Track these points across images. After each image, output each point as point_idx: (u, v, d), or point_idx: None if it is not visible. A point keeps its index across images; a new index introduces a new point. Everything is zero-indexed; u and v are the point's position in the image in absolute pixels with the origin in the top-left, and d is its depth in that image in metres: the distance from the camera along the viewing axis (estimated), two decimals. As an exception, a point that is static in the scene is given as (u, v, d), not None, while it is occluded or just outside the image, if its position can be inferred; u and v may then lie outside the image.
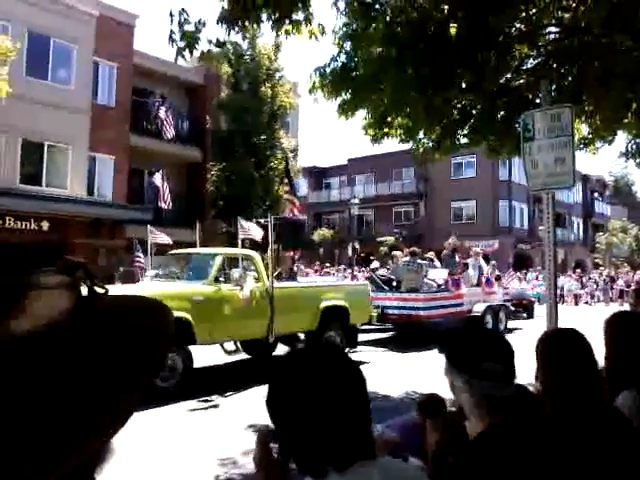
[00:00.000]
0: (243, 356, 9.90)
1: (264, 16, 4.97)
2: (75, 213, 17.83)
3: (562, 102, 5.12)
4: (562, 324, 4.38)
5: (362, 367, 1.12)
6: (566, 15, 6.47)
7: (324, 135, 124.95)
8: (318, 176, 46.06)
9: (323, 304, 10.13)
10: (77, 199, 18.51)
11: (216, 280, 8.65)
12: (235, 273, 8.89)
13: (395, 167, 39.28)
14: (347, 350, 10.00)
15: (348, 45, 6.50)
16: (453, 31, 5.92)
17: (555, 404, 1.84)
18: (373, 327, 13.56)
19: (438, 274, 14.84)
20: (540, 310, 20.69)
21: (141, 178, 23.22)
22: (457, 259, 15.36)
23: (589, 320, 11.09)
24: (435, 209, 38.38)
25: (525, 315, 20.17)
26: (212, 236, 23.32)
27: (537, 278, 27.32)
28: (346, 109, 6.75)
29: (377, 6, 6.04)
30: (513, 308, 20.70)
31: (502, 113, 7.14)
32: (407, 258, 14.24)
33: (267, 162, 22.47)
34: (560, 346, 1.95)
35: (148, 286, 9.03)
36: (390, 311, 13.26)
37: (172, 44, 4.87)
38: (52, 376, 0.54)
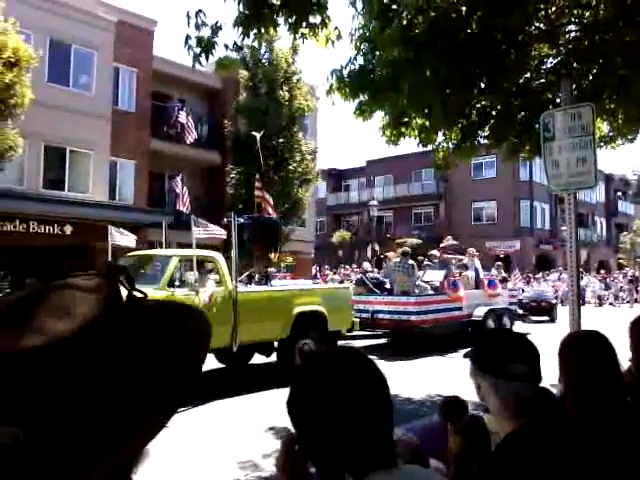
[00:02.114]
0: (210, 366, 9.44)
1: (280, 19, 4.98)
2: (97, 217, 18.06)
3: (582, 101, 5.05)
4: (585, 326, 4.33)
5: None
6: (587, 13, 6.38)
7: (343, 137, 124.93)
8: (337, 178, 46.07)
9: (296, 310, 9.38)
10: (99, 203, 18.74)
11: (171, 284, 8.04)
12: (190, 276, 8.37)
13: (414, 168, 39.12)
14: None
15: (365, 47, 6.49)
16: (471, 31, 5.88)
17: (578, 406, 1.82)
18: (364, 333, 12.84)
19: (434, 276, 14.07)
20: (563, 312, 20.35)
21: (161, 182, 23.44)
22: (454, 261, 14.75)
23: (613, 321, 10.91)
24: (455, 210, 38.14)
25: (547, 318, 19.54)
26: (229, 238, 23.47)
27: (559, 279, 26.92)
28: (364, 110, 6.75)
29: (394, 7, 6.02)
30: (524, 311, 19.58)
31: (522, 113, 7.07)
32: (398, 259, 13.38)
33: (286, 165, 22.52)
34: (583, 348, 1.93)
35: None
36: (381, 316, 12.46)
37: (188, 50, 4.90)
38: (95, 376, 0.55)
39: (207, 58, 5.03)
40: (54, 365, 0.54)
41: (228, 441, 5.93)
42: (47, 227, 17.45)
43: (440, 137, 7.76)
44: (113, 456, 0.55)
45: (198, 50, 4.91)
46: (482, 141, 8.00)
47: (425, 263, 16.10)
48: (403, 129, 7.25)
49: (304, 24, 4.97)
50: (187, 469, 5.07)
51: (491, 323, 13.55)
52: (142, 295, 0.63)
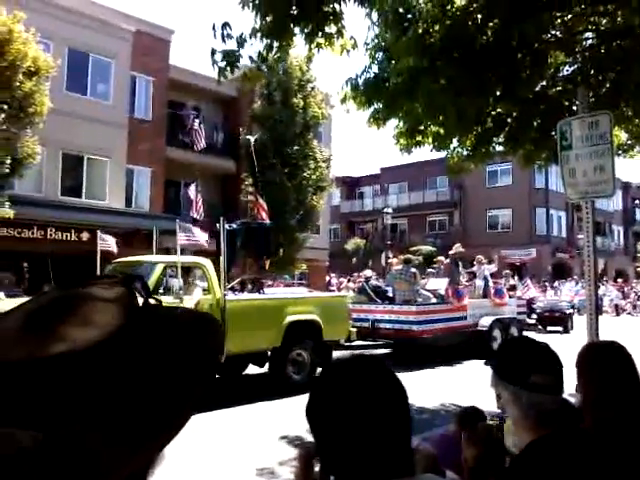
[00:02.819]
0: None
1: (296, 29, 5.02)
2: (113, 224, 18.23)
3: (599, 108, 5.02)
4: (603, 335, 4.29)
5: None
6: (604, 20, 6.35)
7: (357, 144, 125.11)
8: (351, 185, 46.09)
9: (289, 319, 9.02)
10: (115, 210, 18.92)
11: (154, 292, 7.68)
12: (175, 284, 8.01)
13: (429, 175, 39.02)
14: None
15: (380, 56, 6.52)
16: (487, 39, 5.88)
17: (597, 418, 1.80)
18: (364, 343, 12.45)
19: (438, 284, 13.72)
20: (580, 322, 19.96)
21: (177, 189, 23.61)
22: (460, 269, 14.17)
23: (631, 331, 10.77)
24: (470, 218, 37.95)
25: (561, 329, 18.88)
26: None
27: (575, 289, 26.51)
28: (377, 119, 6.77)
29: (409, 16, 6.04)
30: (538, 321, 19.29)
31: (538, 121, 7.03)
32: (400, 266, 12.94)
33: (300, 172, 22.59)
34: (601, 359, 1.91)
35: None
36: (381, 325, 12.01)
37: (214, 65, 4.96)
38: (114, 384, 0.56)
39: (232, 71, 5.08)
40: (76, 372, 0.55)
41: (243, 449, 5.93)
42: (64, 234, 17.65)
43: (454, 143, 7.76)
44: (129, 462, 0.56)
45: (223, 64, 4.97)
46: (497, 148, 7.99)
47: (428, 271, 15.92)
48: (418, 137, 7.26)
49: (320, 34, 5.00)
50: (204, 477, 5.08)
51: (497, 333, 13.09)
52: (157, 303, 0.64)
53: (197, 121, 22.19)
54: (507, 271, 17.71)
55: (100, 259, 11.12)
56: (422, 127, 7.13)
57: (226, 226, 9.96)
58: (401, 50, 5.70)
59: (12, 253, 15.81)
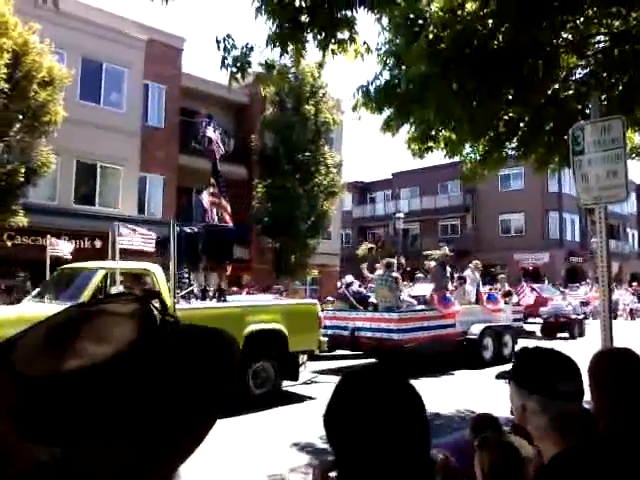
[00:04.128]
0: None
1: (309, 36, 5.05)
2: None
3: (612, 112, 4.99)
4: (617, 341, 4.24)
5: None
6: (616, 23, 6.32)
7: (368, 150, 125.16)
8: (362, 190, 46.08)
9: (249, 328, 8.34)
10: (128, 218, 19.06)
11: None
12: (113, 292, 7.29)
13: (441, 180, 38.92)
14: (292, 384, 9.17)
15: (391, 61, 6.53)
16: (498, 43, 5.87)
17: (611, 426, 1.79)
18: (344, 353, 12.04)
19: (423, 290, 12.98)
20: (591, 328, 19.46)
21: (189, 196, 23.73)
22: (448, 273, 13.22)
23: (647, 336, 10.62)
24: (482, 222, 37.78)
25: (567, 335, 17.99)
26: (259, 252, 23.64)
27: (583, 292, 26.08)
28: (391, 125, 6.78)
29: (420, 21, 6.05)
30: (544, 327, 18.22)
31: (551, 125, 7.00)
32: (381, 271, 12.11)
33: (312, 178, 22.64)
34: (615, 366, 1.89)
35: None
36: (362, 334, 11.28)
37: (225, 70, 5.01)
38: (131, 400, 0.57)
39: (243, 77, 5.14)
40: (93, 388, 0.56)
41: (254, 455, 5.93)
42: (78, 241, 17.79)
43: (467, 149, 7.75)
44: (149, 475, 0.57)
45: (234, 69, 5.02)
46: (510, 152, 7.95)
47: (417, 275, 15.33)
48: (430, 143, 7.25)
49: (333, 40, 5.03)
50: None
51: (489, 342, 12.33)
52: (174, 320, 0.65)
53: (211, 128, 22.29)
54: (502, 276, 16.72)
55: (50, 266, 10.55)
56: (433, 132, 7.13)
57: (187, 229, 9.80)
58: (412, 56, 5.71)
59: (27, 261, 15.96)
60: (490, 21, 5.82)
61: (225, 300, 9.39)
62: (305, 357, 9.78)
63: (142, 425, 0.56)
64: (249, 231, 10.18)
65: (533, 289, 20.75)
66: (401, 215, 26.98)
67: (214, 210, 19.33)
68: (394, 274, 11.76)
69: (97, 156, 18.90)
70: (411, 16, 5.97)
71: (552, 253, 34.99)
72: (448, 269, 13.40)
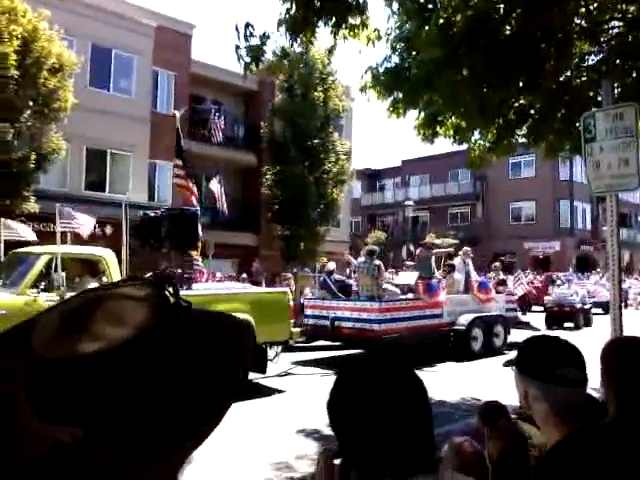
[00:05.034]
0: None
1: (320, 22, 5.03)
2: (137, 218, 18.44)
3: (625, 100, 4.92)
4: (627, 330, 4.22)
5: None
6: (631, 8, 6.21)
7: (378, 137, 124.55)
8: (372, 178, 45.93)
9: None
10: (138, 204, 19.13)
11: (35, 286, 6.92)
12: (56, 279, 6.97)
13: (451, 168, 38.69)
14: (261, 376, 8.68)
15: (401, 46, 6.48)
16: (510, 29, 5.80)
17: (621, 413, 1.78)
18: (322, 344, 11.62)
19: (408, 278, 12.47)
20: (598, 318, 19.23)
21: (199, 183, 23.79)
22: (433, 262, 12.77)
23: (657, 326, 10.54)
24: (492, 210, 37.58)
25: (572, 325, 17.53)
26: (269, 239, 23.68)
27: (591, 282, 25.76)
28: (397, 108, 6.73)
29: (430, 6, 5.99)
30: (549, 317, 17.72)
31: (562, 112, 6.92)
32: (362, 259, 11.67)
33: (321, 165, 22.59)
34: (627, 354, 1.89)
35: None
36: (342, 324, 10.81)
37: (239, 60, 5.01)
38: (148, 383, 0.58)
39: (257, 66, 5.14)
40: (111, 370, 0.57)
41: (259, 443, 5.96)
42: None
43: (476, 135, 7.68)
44: (162, 461, 0.58)
45: (248, 59, 5.01)
46: (520, 140, 7.88)
47: (408, 263, 14.91)
48: (438, 128, 7.20)
49: (344, 25, 5.01)
50: (222, 470, 5.13)
51: (478, 333, 11.78)
52: (187, 304, 0.65)
53: (216, 114, 22.31)
54: (496, 264, 16.03)
55: (4, 250, 9.96)
56: (442, 118, 7.07)
57: (151, 213, 9.28)
58: (422, 41, 5.66)
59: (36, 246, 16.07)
60: (502, 6, 5.75)
61: (189, 288, 8.87)
62: (279, 348, 9.55)
63: (157, 408, 0.57)
64: (195, 217, 9.07)
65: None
66: (411, 203, 26.88)
67: (223, 196, 19.40)
68: (376, 262, 11.31)
69: (107, 142, 18.95)
70: (421, 0, 5.90)
71: (563, 242, 34.79)
72: (433, 257, 12.98)
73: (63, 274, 7.06)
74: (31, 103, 13.51)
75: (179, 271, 9.37)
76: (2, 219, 9.91)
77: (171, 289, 0.65)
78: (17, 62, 12.86)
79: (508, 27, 5.73)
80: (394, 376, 1.11)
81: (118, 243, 8.89)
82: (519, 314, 14.77)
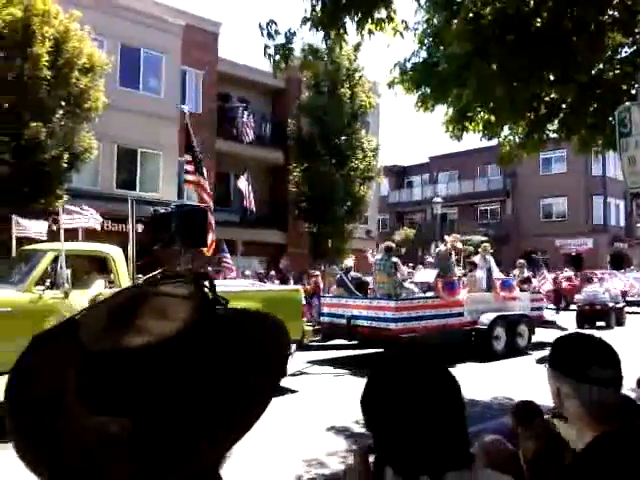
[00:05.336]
0: None
1: (347, 17, 5.00)
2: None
3: (662, 91, 4.77)
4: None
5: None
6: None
7: (405, 133, 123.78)
8: (399, 175, 45.66)
9: None
10: (168, 202, 19.38)
11: (40, 283, 6.85)
12: (60, 276, 6.89)
13: (480, 164, 38.23)
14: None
15: (429, 40, 6.41)
16: (541, 21, 5.68)
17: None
18: (337, 343, 11.39)
19: (427, 276, 12.19)
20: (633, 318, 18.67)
21: (227, 181, 23.97)
22: (453, 260, 12.35)
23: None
24: (523, 207, 37.00)
25: (604, 324, 16.96)
26: (296, 236, 23.75)
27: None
28: (425, 102, 6.67)
29: None
30: (580, 316, 17.19)
31: (595, 106, 6.76)
32: (379, 255, 11.49)
33: (348, 162, 22.54)
34: None
35: None
36: (359, 322, 10.57)
37: (268, 59, 5.02)
38: (191, 376, 0.59)
39: (286, 64, 5.13)
40: (157, 364, 0.58)
41: (290, 440, 5.97)
42: (120, 225, 18.18)
43: (505, 130, 7.56)
44: (205, 453, 0.59)
45: (277, 58, 5.02)
46: (551, 135, 7.73)
47: (427, 260, 14.53)
48: (467, 124, 7.11)
49: (370, 20, 4.97)
50: (252, 466, 5.15)
51: (500, 332, 11.46)
52: (224, 301, 0.68)
53: (245, 113, 22.42)
54: (520, 261, 15.42)
55: (17, 247, 9.79)
56: (471, 114, 6.98)
57: (161, 210, 9.01)
58: (451, 34, 5.59)
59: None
60: (532, -2, 5.64)
61: None
62: (293, 347, 9.63)
63: (201, 402, 0.59)
64: (204, 214, 8.63)
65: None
66: (439, 200, 26.65)
67: (250, 194, 19.50)
68: (393, 259, 11.08)
69: (137, 141, 19.23)
70: (450, -6, 5.83)
71: (596, 239, 34.09)
72: (454, 255, 12.62)
73: (68, 271, 7.00)
74: (63, 103, 13.78)
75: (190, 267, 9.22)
76: (14, 216, 9.93)
77: (209, 286, 0.67)
78: (49, 63, 13.13)
79: (539, 19, 5.61)
80: (428, 373, 1.11)
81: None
82: (552, 313, 14.43)
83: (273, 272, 18.94)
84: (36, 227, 10.34)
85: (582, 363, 1.57)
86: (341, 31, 5.15)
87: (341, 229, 22.71)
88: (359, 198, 22.98)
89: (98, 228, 9.22)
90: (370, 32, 5.30)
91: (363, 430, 6.20)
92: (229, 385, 0.61)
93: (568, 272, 26.19)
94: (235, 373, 0.62)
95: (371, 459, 1.18)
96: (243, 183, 20.22)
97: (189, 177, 10.61)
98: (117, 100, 16.80)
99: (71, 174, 14.86)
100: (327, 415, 6.75)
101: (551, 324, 13.67)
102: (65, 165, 13.90)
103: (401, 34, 5.47)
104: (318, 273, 17.44)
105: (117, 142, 18.81)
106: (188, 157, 10.76)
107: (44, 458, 0.58)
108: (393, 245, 12.04)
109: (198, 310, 0.63)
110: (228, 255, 15.81)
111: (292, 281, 17.54)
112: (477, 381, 8.74)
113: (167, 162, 20.16)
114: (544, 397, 1.78)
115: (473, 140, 8.23)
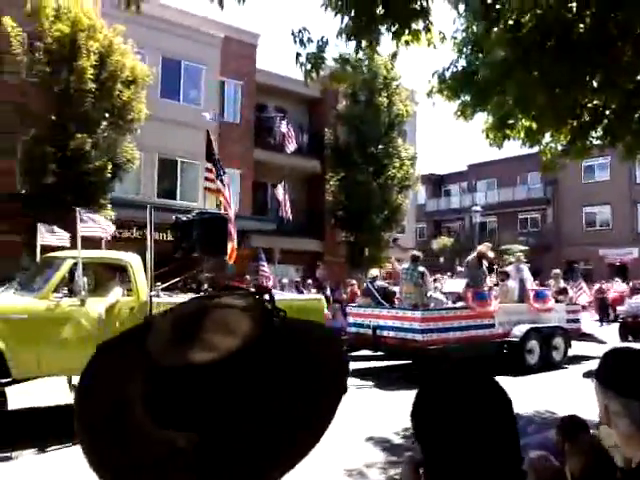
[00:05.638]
0: None
1: (382, 28, 5.00)
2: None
3: None
4: None
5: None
6: None
7: (443, 141, 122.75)
8: (436, 183, 45.27)
9: None
10: (207, 211, 19.67)
11: (57, 290, 6.85)
12: (78, 283, 6.84)
13: (519, 172, 37.58)
14: None
15: (467, 48, 6.37)
16: (583, 27, 5.58)
17: None
18: (363, 354, 11.13)
19: (456, 286, 11.89)
20: None
21: (264, 190, 24.20)
22: (484, 269, 11.93)
23: None
24: (564, 215, 36.16)
25: None
26: (333, 245, 23.78)
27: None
28: (465, 111, 6.62)
29: (498, 7, 5.85)
30: (623, 328, 16.35)
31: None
32: (406, 265, 11.34)
33: (385, 171, 22.48)
34: None
35: None
36: (384, 333, 10.29)
37: (300, 67, 5.05)
38: (256, 391, 0.59)
39: (318, 73, 5.16)
40: (222, 379, 0.58)
41: (330, 449, 5.96)
42: (161, 234, 18.53)
43: (547, 138, 7.43)
44: (267, 473, 0.59)
45: (309, 66, 5.04)
46: (594, 142, 7.56)
47: (459, 269, 14.21)
48: (508, 131, 7.01)
49: (407, 31, 4.95)
50: (294, 474, 5.15)
51: (534, 345, 11.03)
52: (283, 313, 0.67)
53: (284, 122, 22.60)
54: (556, 271, 14.86)
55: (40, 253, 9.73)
56: (512, 121, 6.89)
57: (183, 217, 9.18)
58: (491, 42, 5.54)
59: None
60: (574, 4, 5.54)
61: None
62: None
63: (266, 418, 0.59)
64: (224, 222, 8.53)
65: None
66: (478, 208, 26.30)
67: (287, 203, 19.61)
68: (420, 268, 10.90)
69: (177, 152, 19.61)
70: (489, 1, 5.77)
71: (641, 248, 33.05)
72: (485, 264, 12.17)
73: (85, 279, 6.98)
74: (107, 115, 14.18)
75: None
76: (39, 224, 10.05)
77: (268, 298, 0.67)
78: (94, 76, 13.54)
79: (582, 25, 5.51)
80: (480, 387, 1.10)
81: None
82: (597, 325, 13.88)
83: (310, 280, 18.98)
84: (60, 235, 10.41)
85: (632, 379, 1.51)
86: (373, 43, 5.15)
87: (378, 238, 22.63)
88: (396, 207, 22.88)
89: (109, 238, 9.29)
90: (407, 43, 5.29)
91: (402, 441, 6.16)
92: (292, 401, 0.61)
93: (618, 282, 25.26)
94: (298, 389, 0.62)
95: (422, 471, 1.17)
96: (280, 192, 20.37)
97: (209, 185, 10.54)
98: (158, 111, 17.19)
99: (114, 184, 15.26)
100: (364, 426, 6.71)
101: (589, 337, 13.14)
102: (108, 175, 14.28)
103: (435, 46, 5.44)
104: (355, 282, 17.37)
105: (158, 152, 19.22)
106: (209, 165, 10.67)
107: (108, 462, 0.59)
108: (420, 254, 11.89)
109: (260, 324, 0.63)
110: (265, 264, 15.91)
111: (328, 290, 17.53)
112: (514, 395, 8.54)
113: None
114: (588, 411, 1.73)
115: (512, 148, 8.12)
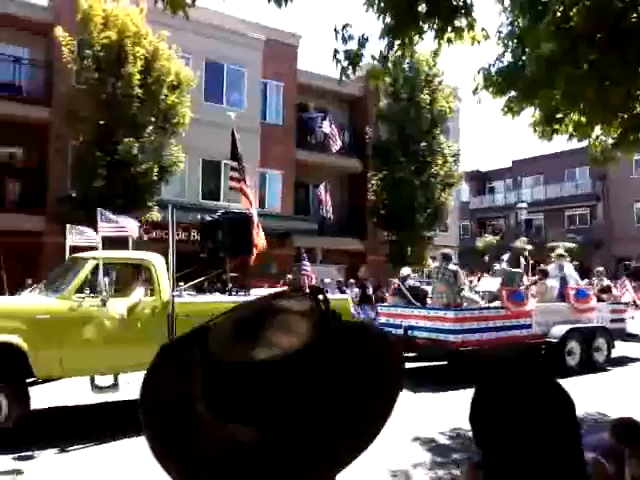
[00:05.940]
0: (124, 395, 6.97)
1: (425, 26, 4.96)
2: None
3: None
4: None
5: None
6: None
7: (486, 137, 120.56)
8: (480, 180, 44.50)
9: None
10: (232, 211, 19.88)
11: (80, 291, 6.84)
12: (101, 284, 6.84)
13: (567, 167, 36.58)
14: None
15: (513, 44, 6.25)
16: (635, 17, 5.40)
17: None
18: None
19: (490, 285, 11.50)
20: None
21: (306, 190, 24.30)
22: (522, 268, 11.67)
23: None
24: (615, 211, 35.01)
25: None
26: (375, 244, 23.68)
27: None
28: (512, 107, 6.50)
29: (544, 0, 5.72)
30: (624, 330, 14.05)
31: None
32: (437, 264, 11.04)
33: (427, 169, 22.23)
34: None
35: None
36: (416, 333, 10.10)
37: (337, 64, 5.05)
38: (314, 391, 0.61)
39: (354, 71, 5.15)
40: (283, 377, 0.60)
41: (375, 450, 5.94)
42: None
43: (597, 131, 7.23)
44: (327, 467, 0.60)
45: (346, 63, 5.05)
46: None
47: (495, 268, 13.46)
48: (556, 125, 6.85)
49: (449, 29, 4.90)
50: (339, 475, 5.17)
51: (574, 346, 10.61)
52: (338, 315, 0.69)
53: (327, 123, 22.60)
54: (599, 268, 14.19)
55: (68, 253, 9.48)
56: (560, 115, 6.72)
57: (208, 217, 9.11)
58: (538, 36, 5.41)
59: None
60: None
61: (235, 293, 8.45)
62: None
63: (325, 417, 0.60)
64: (248, 221, 9.35)
65: None
66: (524, 205, 25.72)
67: (329, 203, 19.62)
68: (452, 267, 10.62)
69: (221, 154, 19.79)
70: (535, -6, 5.66)
71: (697, 244, 31.71)
72: (522, 262, 11.89)
73: (106, 279, 6.99)
74: (153, 119, 14.51)
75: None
76: (68, 225, 10.14)
77: (323, 301, 0.68)
78: (140, 81, 13.88)
79: (635, 15, 5.33)
80: (541, 389, 1.08)
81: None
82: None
83: (352, 280, 18.96)
84: (89, 234, 10.21)
85: None
86: (413, 41, 5.11)
87: (421, 236, 22.41)
88: (439, 205, 22.61)
89: (135, 237, 9.26)
90: (449, 40, 5.23)
91: (449, 442, 6.10)
92: (349, 401, 0.62)
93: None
94: (355, 388, 0.63)
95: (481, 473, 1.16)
96: (322, 192, 20.42)
97: (233, 184, 10.52)
98: (202, 114, 17.47)
99: (160, 186, 15.60)
100: (407, 426, 6.66)
101: (635, 337, 12.66)
102: (155, 178, 14.62)
103: (479, 42, 5.35)
104: (396, 281, 17.24)
105: (202, 155, 19.53)
106: (233, 163, 10.75)
107: (174, 457, 0.61)
108: (451, 253, 11.67)
109: (318, 324, 0.65)
110: (307, 263, 15.96)
111: (370, 289, 17.47)
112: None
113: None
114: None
115: (558, 143, 7.91)
